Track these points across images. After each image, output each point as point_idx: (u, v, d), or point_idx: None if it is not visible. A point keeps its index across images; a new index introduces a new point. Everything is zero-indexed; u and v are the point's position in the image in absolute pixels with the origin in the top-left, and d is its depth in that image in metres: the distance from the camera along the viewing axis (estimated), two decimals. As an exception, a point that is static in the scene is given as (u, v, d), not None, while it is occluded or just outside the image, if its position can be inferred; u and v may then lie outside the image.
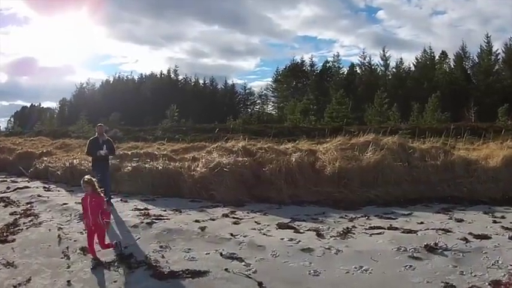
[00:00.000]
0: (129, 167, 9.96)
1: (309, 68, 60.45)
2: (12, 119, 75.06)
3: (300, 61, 61.18)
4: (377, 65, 53.93)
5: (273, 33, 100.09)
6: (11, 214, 8.13)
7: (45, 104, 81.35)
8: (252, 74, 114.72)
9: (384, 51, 53.13)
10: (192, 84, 66.54)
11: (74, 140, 22.77)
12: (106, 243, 5.08)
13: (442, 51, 51.04)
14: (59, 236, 6.37)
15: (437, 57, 50.98)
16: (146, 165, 9.76)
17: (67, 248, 5.89)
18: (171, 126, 31.10)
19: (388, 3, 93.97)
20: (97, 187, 4.89)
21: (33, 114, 65.86)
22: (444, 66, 49.08)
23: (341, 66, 57.38)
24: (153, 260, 5.12)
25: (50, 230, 6.77)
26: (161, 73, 66.87)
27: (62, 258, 5.53)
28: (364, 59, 54.63)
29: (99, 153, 7.78)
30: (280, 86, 60.49)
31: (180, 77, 66.73)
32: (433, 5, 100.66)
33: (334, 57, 58.78)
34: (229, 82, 69.35)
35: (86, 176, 5.01)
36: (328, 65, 58.12)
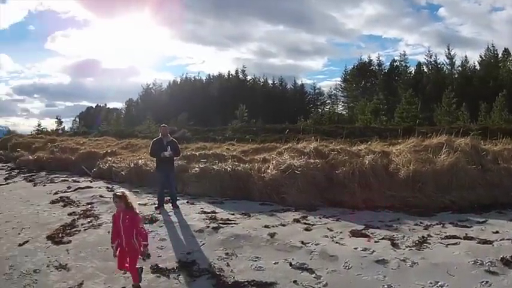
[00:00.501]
0: (196, 168, 11.18)
1: (376, 68, 69.47)
2: (77, 119, 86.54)
3: (367, 60, 70.48)
4: (443, 63, 61.48)
5: (338, 32, 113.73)
6: (70, 214, 9.22)
7: (111, 105, 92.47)
8: (320, 73, 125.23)
9: (448, 49, 60.66)
10: (261, 84, 77.95)
11: (141, 140, 25.05)
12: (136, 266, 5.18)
13: (505, 49, 56.74)
14: None
15: (500, 55, 57.50)
16: (214, 167, 10.93)
17: None
18: (240, 126, 34.25)
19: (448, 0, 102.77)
20: (131, 202, 4.99)
21: (98, 115, 76.07)
22: (508, 64, 55.15)
23: (408, 65, 65.58)
24: (217, 269, 5.47)
25: (109, 232, 7.38)
26: (229, 73, 79.15)
27: None
28: (430, 57, 62.30)
29: (163, 154, 8.73)
30: (349, 86, 70.05)
31: (249, 77, 77.97)
32: (491, 1, 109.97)
33: (401, 56, 67.08)
34: (298, 82, 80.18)
35: (118, 190, 5.24)
36: (395, 64, 66.71)
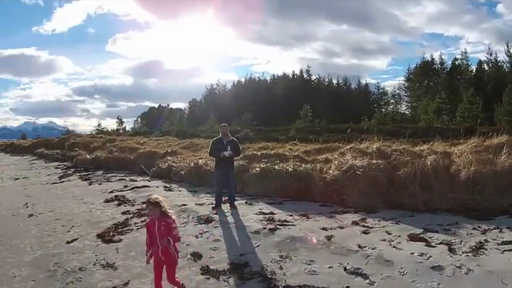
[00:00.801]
0: (257, 168, 12.00)
1: (439, 66, 75.70)
2: (138, 120, 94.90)
3: (430, 59, 76.78)
4: (502, 61, 66.02)
5: (401, 30, 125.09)
6: (123, 213, 9.89)
7: (174, 105, 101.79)
8: (384, 73, 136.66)
9: (507, 46, 64.83)
10: (326, 84, 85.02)
11: (203, 140, 26.44)
12: (176, 279, 5.33)
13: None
14: None
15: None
16: (276, 167, 11.72)
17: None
18: (304, 126, 37.09)
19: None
20: (165, 208, 5.12)
21: (161, 115, 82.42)
22: None
23: (469, 63, 71.16)
24: (270, 272, 5.74)
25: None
26: (293, 73, 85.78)
27: None
28: (491, 55, 67.23)
29: (222, 154, 9.40)
30: (413, 85, 76.22)
31: (313, 77, 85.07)
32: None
33: (462, 55, 72.80)
34: (363, 82, 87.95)
35: (152, 196, 5.28)
36: (457, 62, 72.07)
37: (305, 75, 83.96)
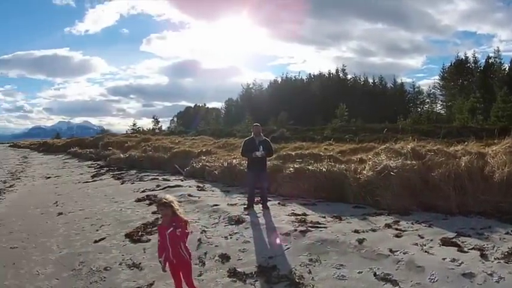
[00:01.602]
0: (291, 169, 12.21)
1: (472, 65, 78.16)
2: (174, 119, 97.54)
3: (463, 58, 79.84)
4: None
5: (434, 29, 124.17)
6: (154, 213, 9.97)
7: (210, 105, 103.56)
8: (419, 72, 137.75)
9: None
10: (362, 83, 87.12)
11: (238, 139, 26.84)
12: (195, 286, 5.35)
13: None
14: (199, 239, 7.60)
15: None
16: (310, 167, 11.92)
17: (205, 253, 7.01)
18: (340, 125, 38.12)
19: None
20: (178, 210, 5.08)
21: (197, 114, 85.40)
22: None
23: (502, 62, 73.50)
24: (298, 276, 5.77)
25: (191, 232, 7.87)
26: (329, 73, 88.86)
27: (195, 264, 6.50)
28: None
29: (254, 154, 9.63)
30: (447, 84, 78.96)
31: (349, 76, 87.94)
32: None
33: (495, 53, 75.65)
34: (398, 81, 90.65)
35: (165, 197, 5.23)
36: (490, 61, 74.67)
37: (341, 75, 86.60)
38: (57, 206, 12.18)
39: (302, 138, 25.04)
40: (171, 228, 4.95)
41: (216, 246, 7.19)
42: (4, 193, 15.84)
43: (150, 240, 7.93)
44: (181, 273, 5.21)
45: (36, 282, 6.30)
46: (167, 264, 5.11)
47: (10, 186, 17.91)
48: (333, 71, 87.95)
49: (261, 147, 9.61)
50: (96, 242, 8.13)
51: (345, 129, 32.74)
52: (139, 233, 8.40)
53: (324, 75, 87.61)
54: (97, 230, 8.99)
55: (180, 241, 5.03)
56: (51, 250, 7.86)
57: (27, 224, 10.11)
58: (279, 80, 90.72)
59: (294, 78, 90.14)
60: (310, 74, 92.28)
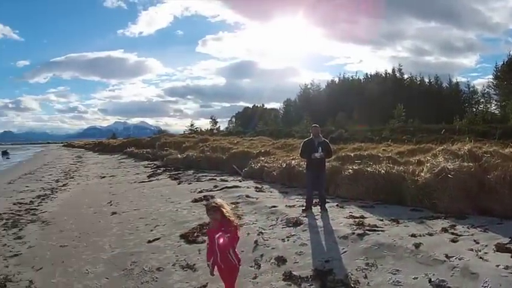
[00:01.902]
0: (350, 170, 12.31)
1: None
2: (233, 119, 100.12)
3: None
4: None
5: (485, 27, 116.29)
6: None
7: (268, 105, 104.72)
8: (473, 71, 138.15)
9: None
10: (418, 83, 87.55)
11: (297, 140, 26.91)
12: None
13: None
14: (256, 241, 7.54)
15: None
16: (368, 169, 12.01)
17: (261, 255, 6.93)
18: (398, 126, 38.66)
19: None
20: (228, 213, 4.96)
21: (255, 115, 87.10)
22: None
23: None
24: (353, 281, 5.71)
25: (248, 233, 8.10)
26: (386, 72, 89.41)
27: (251, 266, 6.51)
28: None
29: (313, 155, 9.69)
30: (501, 83, 75.31)
31: (405, 76, 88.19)
32: None
33: None
34: (453, 80, 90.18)
35: (214, 200, 5.16)
36: None
37: (397, 74, 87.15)
38: (111, 205, 12.46)
39: (360, 139, 25.67)
40: (220, 233, 4.79)
41: (272, 248, 7.12)
42: (56, 192, 16.39)
43: (205, 241, 7.77)
44: (226, 277, 5.13)
45: (85, 281, 6.36)
46: (215, 268, 5.00)
47: (63, 186, 18.58)
48: (389, 71, 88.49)
49: (320, 148, 9.66)
50: (150, 242, 8.18)
51: (402, 129, 33.25)
52: (195, 234, 8.40)
53: (381, 75, 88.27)
54: (151, 230, 9.06)
55: (229, 246, 4.91)
56: (103, 249, 7.97)
57: (79, 223, 10.35)
58: (336, 80, 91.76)
59: (351, 78, 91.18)
60: (367, 74, 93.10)
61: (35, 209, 12.46)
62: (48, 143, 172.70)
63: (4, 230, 9.82)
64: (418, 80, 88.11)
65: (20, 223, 10.51)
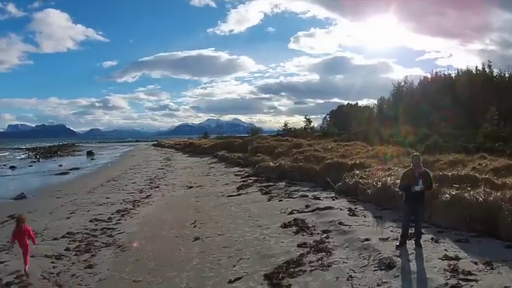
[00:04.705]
0: (447, 195, 11.56)
1: None
2: (327, 117, 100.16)
3: None
4: None
5: None
6: (299, 246, 9.68)
7: (362, 102, 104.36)
8: None
9: None
10: (507, 79, 78.00)
11: (391, 147, 26.50)
12: None
13: None
14: None
15: None
16: (466, 194, 11.22)
17: None
18: (491, 131, 36.45)
19: None
20: None
21: (349, 113, 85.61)
22: None
23: None
24: None
25: (337, 278, 7.59)
26: (476, 68, 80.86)
27: None
28: None
29: (413, 189, 9.24)
30: None
31: (495, 72, 79.29)
32: None
33: None
34: None
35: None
36: None
37: (487, 70, 79.79)
38: (194, 227, 12.34)
39: (455, 148, 24.80)
40: None
41: None
42: (138, 206, 16.43)
43: (290, 285, 7.48)
44: None
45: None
46: None
47: (146, 197, 18.70)
48: (479, 66, 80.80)
49: (420, 180, 9.20)
50: (230, 282, 7.89)
51: (496, 135, 31.56)
52: (280, 275, 7.98)
53: (471, 71, 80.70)
54: (234, 266, 8.75)
55: None
56: None
57: (157, 251, 10.20)
58: (429, 76, 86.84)
59: (443, 75, 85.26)
60: (457, 69, 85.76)
61: (112, 228, 12.54)
62: (138, 141, 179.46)
63: (75, 255, 9.87)
64: (507, 75, 78.85)
65: (93, 247, 10.60)
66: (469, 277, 7.27)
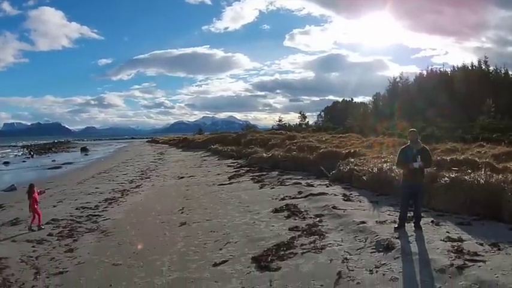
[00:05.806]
0: (446, 179, 11.32)
1: None
2: (322, 114, 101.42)
3: None
4: None
5: None
6: (290, 229, 9.22)
7: (357, 99, 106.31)
8: None
9: None
10: (503, 76, 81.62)
11: (387, 138, 26.65)
12: None
13: None
14: (339, 273, 6.54)
15: None
16: (466, 177, 11.04)
17: None
18: (488, 123, 37.77)
19: None
20: None
21: (344, 110, 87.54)
22: None
23: None
24: None
25: (331, 260, 7.15)
26: (472, 65, 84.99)
27: None
28: None
29: (412, 165, 8.88)
30: None
31: (491, 69, 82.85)
32: None
33: None
34: None
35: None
36: None
37: (483, 67, 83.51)
38: (182, 213, 11.88)
39: (452, 138, 25.18)
40: None
41: (357, 283, 6.09)
42: (127, 195, 16.04)
43: (280, 268, 6.99)
44: None
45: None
46: None
47: (136, 187, 18.25)
48: (475, 63, 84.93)
49: (419, 157, 8.82)
50: (215, 265, 7.38)
51: (493, 127, 32.63)
52: (269, 258, 7.50)
53: (467, 67, 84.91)
54: (220, 249, 8.24)
55: None
56: (159, 272, 7.28)
57: (141, 235, 9.80)
58: (424, 73, 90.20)
59: (439, 71, 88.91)
60: (453, 66, 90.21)
61: (97, 215, 12.15)
62: (133, 138, 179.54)
63: (57, 240, 9.54)
64: (502, 72, 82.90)
65: (76, 232, 10.23)
66: (476, 258, 6.89)
